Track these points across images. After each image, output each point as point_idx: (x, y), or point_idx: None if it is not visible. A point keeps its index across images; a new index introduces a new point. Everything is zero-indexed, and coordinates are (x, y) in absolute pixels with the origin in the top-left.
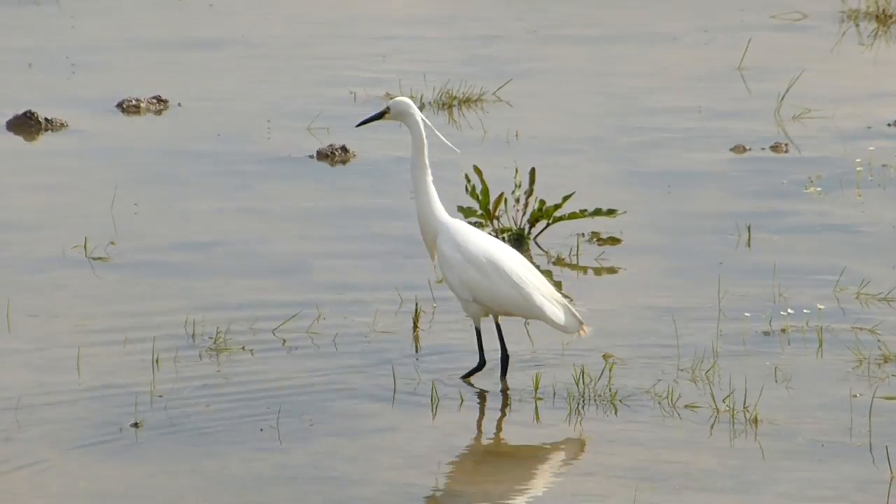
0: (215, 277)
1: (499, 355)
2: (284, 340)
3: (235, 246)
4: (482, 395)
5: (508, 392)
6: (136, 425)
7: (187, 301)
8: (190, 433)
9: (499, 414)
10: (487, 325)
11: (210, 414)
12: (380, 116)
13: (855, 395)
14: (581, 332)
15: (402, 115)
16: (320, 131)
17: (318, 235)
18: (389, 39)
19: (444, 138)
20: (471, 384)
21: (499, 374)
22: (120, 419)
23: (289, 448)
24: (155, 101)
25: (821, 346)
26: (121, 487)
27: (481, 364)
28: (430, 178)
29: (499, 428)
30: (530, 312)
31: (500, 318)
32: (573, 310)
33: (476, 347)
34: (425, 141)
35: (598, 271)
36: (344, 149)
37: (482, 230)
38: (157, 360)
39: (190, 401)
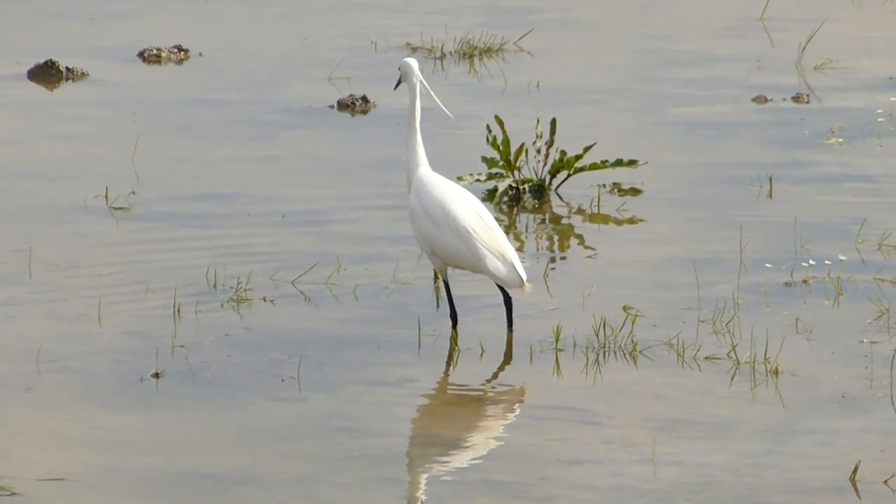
0: (236, 227)
1: (503, 302)
2: (304, 291)
3: (256, 196)
4: (503, 347)
5: (529, 343)
6: (156, 375)
7: (208, 251)
8: (211, 383)
9: (520, 365)
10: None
11: (231, 364)
12: (400, 81)
13: (862, 341)
14: (523, 287)
15: (405, 76)
16: (341, 81)
17: (338, 186)
18: None
19: (440, 103)
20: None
21: (506, 321)
22: (141, 369)
23: (309, 398)
24: (176, 50)
25: (842, 297)
26: (141, 437)
27: (453, 317)
28: (418, 136)
29: (520, 379)
30: (475, 266)
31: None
32: (517, 266)
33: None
34: (418, 103)
35: (619, 222)
36: (364, 99)
37: (502, 181)
38: (178, 310)
39: (211, 351)
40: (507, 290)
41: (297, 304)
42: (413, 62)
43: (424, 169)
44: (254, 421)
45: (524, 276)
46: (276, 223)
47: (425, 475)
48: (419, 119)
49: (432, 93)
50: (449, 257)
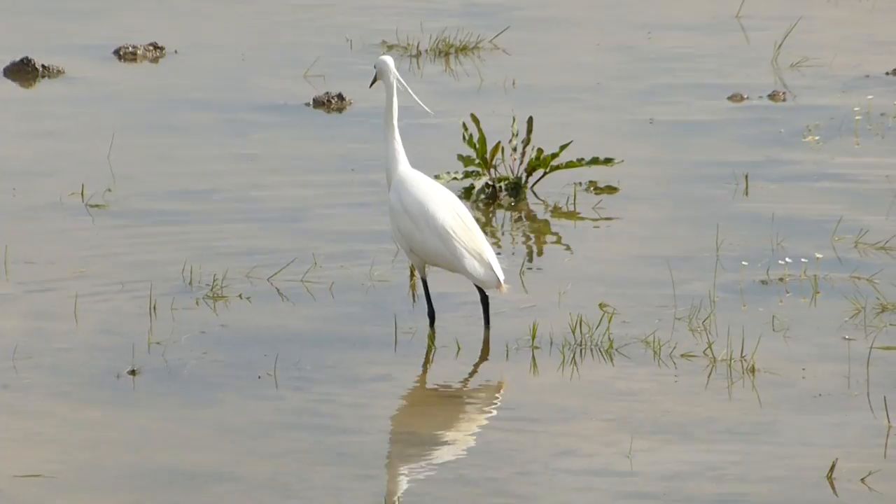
0: (212, 225)
1: (479, 300)
2: (280, 289)
3: (232, 193)
4: (479, 345)
5: (506, 341)
6: (133, 372)
7: (184, 248)
8: (187, 380)
9: (496, 363)
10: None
11: (207, 361)
12: (375, 79)
13: (844, 338)
14: (500, 288)
15: (381, 74)
16: (316, 79)
17: (315, 183)
18: None
19: (418, 100)
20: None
21: (483, 320)
22: (117, 366)
23: (286, 395)
24: (152, 48)
25: (818, 295)
26: (117, 435)
27: (430, 315)
28: (396, 133)
29: (496, 376)
30: (453, 265)
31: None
32: (494, 266)
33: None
34: (395, 101)
35: (595, 220)
36: (340, 96)
37: (478, 179)
38: (154, 308)
39: (187, 348)
40: (484, 289)
41: (274, 302)
42: (389, 59)
43: (404, 167)
44: (230, 418)
45: (501, 277)
46: (252, 220)
47: (402, 472)
48: (396, 117)
49: (409, 89)
50: (427, 256)
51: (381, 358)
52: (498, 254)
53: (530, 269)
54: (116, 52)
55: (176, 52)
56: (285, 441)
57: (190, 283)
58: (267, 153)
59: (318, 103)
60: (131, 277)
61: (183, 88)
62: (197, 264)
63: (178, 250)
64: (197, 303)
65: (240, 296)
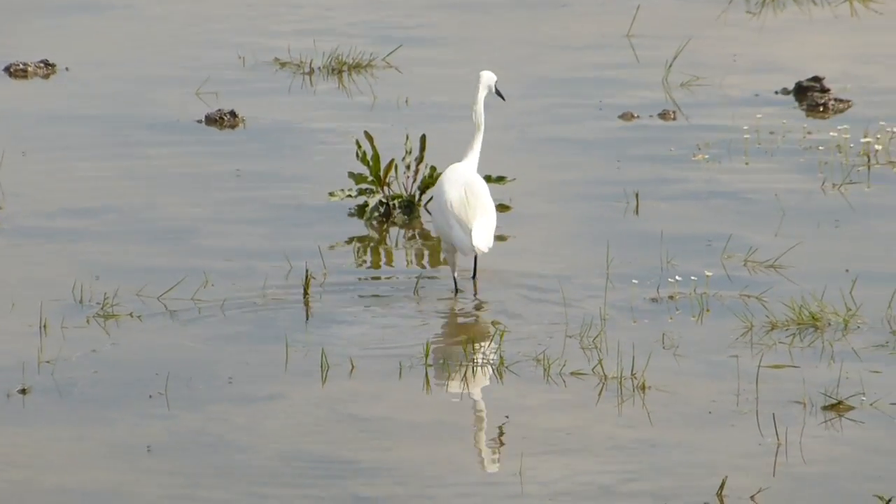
0: (103, 242)
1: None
2: (171, 307)
3: (123, 211)
4: (372, 363)
5: (399, 359)
6: (23, 391)
7: (75, 266)
8: (78, 399)
9: (388, 381)
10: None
11: (98, 380)
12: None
13: (735, 356)
14: (476, 251)
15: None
16: (209, 96)
17: (207, 201)
18: (279, 3)
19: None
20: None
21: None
22: (7, 385)
23: (177, 415)
24: (42, 65)
25: (708, 312)
26: (7, 454)
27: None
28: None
29: (388, 395)
30: (447, 236)
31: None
32: (472, 234)
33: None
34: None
35: None
36: (233, 114)
37: (372, 197)
38: (44, 326)
39: (78, 367)
40: (462, 254)
41: (165, 320)
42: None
43: (461, 163)
44: (122, 437)
45: (476, 242)
46: (143, 238)
47: (295, 491)
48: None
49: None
50: (439, 232)
51: (273, 376)
52: (392, 271)
53: (424, 287)
54: (7, 68)
55: (67, 69)
56: (177, 460)
57: (80, 301)
58: (159, 170)
59: (211, 120)
60: (21, 295)
61: (74, 105)
62: (87, 282)
63: (69, 268)
64: (87, 321)
65: (130, 314)
